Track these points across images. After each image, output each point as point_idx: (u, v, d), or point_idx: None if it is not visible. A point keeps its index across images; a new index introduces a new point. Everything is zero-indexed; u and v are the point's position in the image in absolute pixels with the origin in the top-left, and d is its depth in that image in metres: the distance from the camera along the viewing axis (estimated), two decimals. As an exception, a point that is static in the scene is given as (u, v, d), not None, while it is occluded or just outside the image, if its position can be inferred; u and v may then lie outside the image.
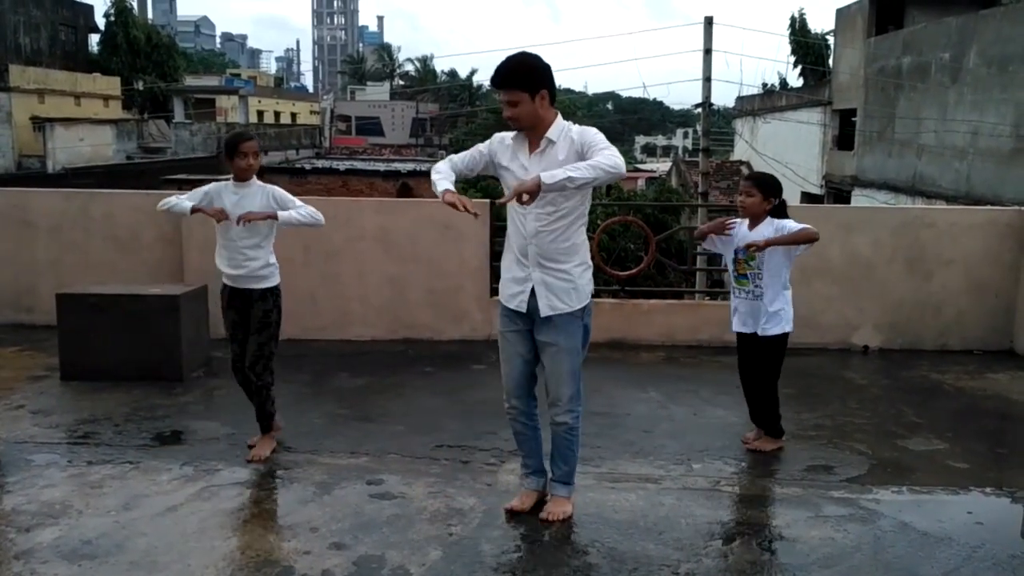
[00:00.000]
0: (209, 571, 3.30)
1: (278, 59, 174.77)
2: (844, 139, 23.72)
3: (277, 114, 46.33)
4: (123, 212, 7.43)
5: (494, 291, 6.77)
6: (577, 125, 3.58)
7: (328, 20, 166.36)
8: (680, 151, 75.67)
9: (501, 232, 4.11)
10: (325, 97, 59.20)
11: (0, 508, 3.84)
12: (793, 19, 34.06)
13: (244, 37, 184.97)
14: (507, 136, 3.63)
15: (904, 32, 20.76)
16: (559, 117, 3.54)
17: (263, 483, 4.19)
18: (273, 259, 4.52)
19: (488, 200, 7.08)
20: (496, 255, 6.60)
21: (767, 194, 4.50)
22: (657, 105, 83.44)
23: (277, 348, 4.56)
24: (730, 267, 4.64)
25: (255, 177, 4.47)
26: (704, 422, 5.25)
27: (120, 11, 36.79)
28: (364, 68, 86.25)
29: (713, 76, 19.39)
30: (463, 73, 67.70)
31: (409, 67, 77.22)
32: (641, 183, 38.52)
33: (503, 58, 3.48)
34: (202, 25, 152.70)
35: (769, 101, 29.72)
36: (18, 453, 4.50)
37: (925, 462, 4.59)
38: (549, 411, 3.71)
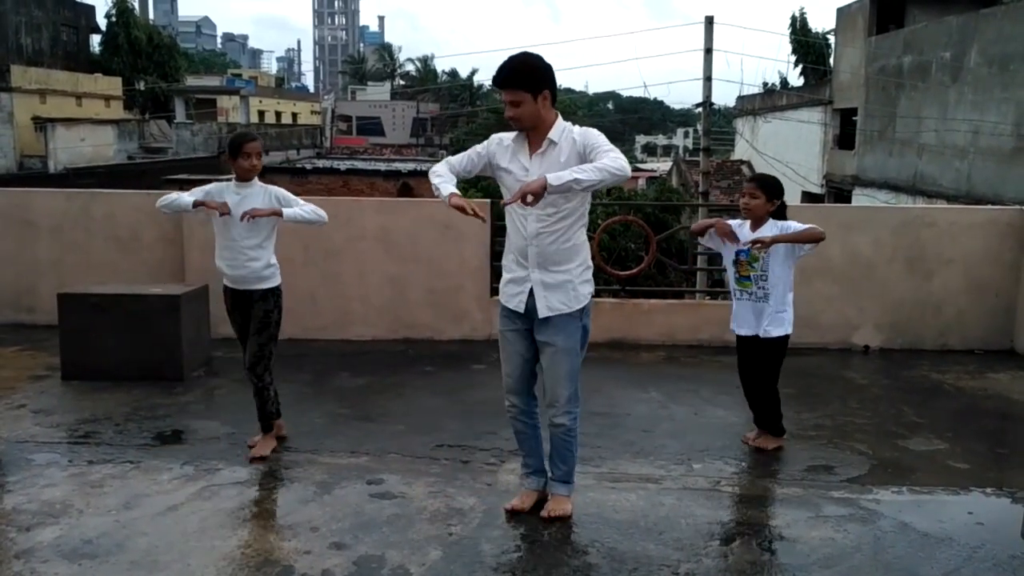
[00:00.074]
0: (209, 570, 3.30)
1: (279, 59, 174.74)
2: (845, 138, 23.71)
3: (278, 114, 46.35)
4: (124, 212, 7.44)
5: (494, 291, 6.78)
6: (578, 126, 3.57)
7: (329, 20, 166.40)
8: (681, 150, 75.63)
9: (501, 232, 4.11)
10: (326, 97, 59.22)
11: (1, 507, 3.85)
12: (794, 18, 34.08)
13: (245, 37, 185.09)
14: (506, 137, 3.63)
15: (905, 31, 20.75)
16: (559, 118, 3.54)
17: (263, 483, 4.20)
18: (274, 260, 4.52)
19: (488, 200, 7.08)
20: (496, 255, 6.61)
21: (771, 196, 4.50)
22: (657, 104, 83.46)
23: (277, 349, 4.56)
24: (731, 268, 4.60)
25: (256, 178, 4.47)
26: (704, 422, 5.25)
27: (121, 11, 36.79)
28: (365, 68, 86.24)
29: (714, 75, 19.38)
30: (464, 73, 67.75)
31: (410, 67, 77.28)
32: (642, 183, 38.48)
33: (505, 58, 3.48)
34: (203, 25, 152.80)
35: (770, 100, 29.70)
36: (19, 452, 4.50)
37: (925, 462, 4.58)
38: (547, 412, 3.71)
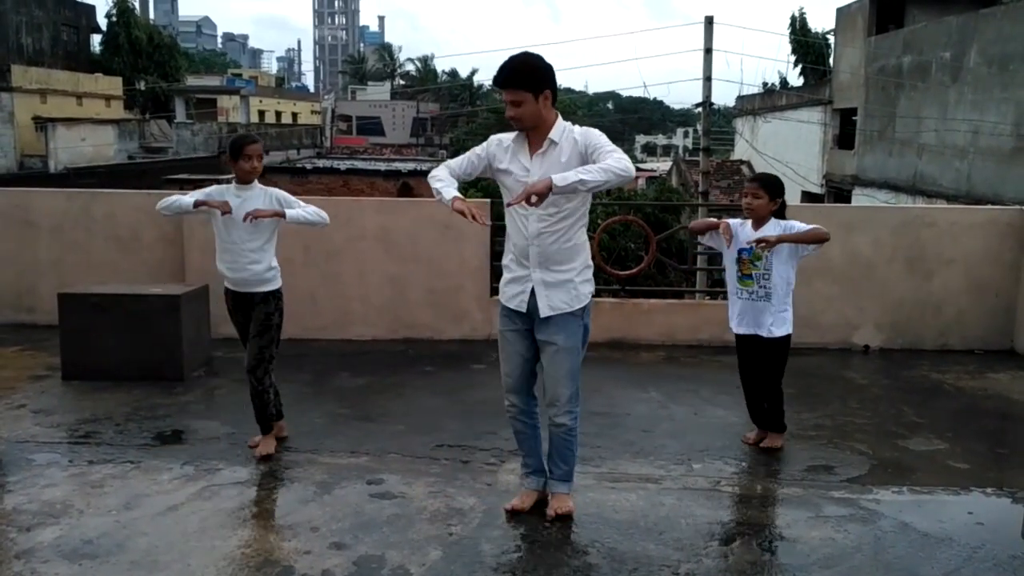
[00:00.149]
0: (209, 571, 3.30)
1: (279, 59, 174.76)
2: (845, 138, 23.71)
3: (278, 114, 46.37)
4: (124, 212, 7.44)
5: (494, 291, 6.78)
6: (578, 126, 3.57)
7: (329, 20, 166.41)
8: (680, 150, 75.65)
9: (501, 232, 4.11)
10: (326, 97, 59.23)
11: (1, 507, 3.85)
12: (793, 18, 34.10)
13: (245, 37, 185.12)
14: (505, 138, 3.62)
15: (904, 31, 20.75)
16: (560, 118, 3.54)
17: (263, 483, 4.20)
18: (276, 262, 4.51)
19: (488, 200, 7.07)
20: (496, 255, 6.61)
21: (773, 195, 4.50)
22: (657, 104, 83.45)
23: (278, 351, 4.56)
24: (732, 267, 4.57)
25: (256, 180, 4.47)
26: (704, 422, 5.25)
27: (122, 11, 36.81)
28: (365, 68, 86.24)
29: (713, 75, 19.39)
30: (464, 73, 67.75)
31: (410, 67, 77.28)
32: (641, 182, 38.45)
33: (506, 58, 3.47)
34: (203, 25, 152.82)
35: (769, 100, 29.70)
36: (19, 452, 4.50)
37: (925, 462, 4.59)
38: (547, 412, 3.71)
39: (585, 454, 4.22)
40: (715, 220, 4.61)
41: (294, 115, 48.35)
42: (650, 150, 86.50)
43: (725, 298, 4.86)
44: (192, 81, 41.65)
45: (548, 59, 3.49)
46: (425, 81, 67.43)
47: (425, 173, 4.27)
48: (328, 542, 3.53)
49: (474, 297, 7.21)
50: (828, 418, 5.30)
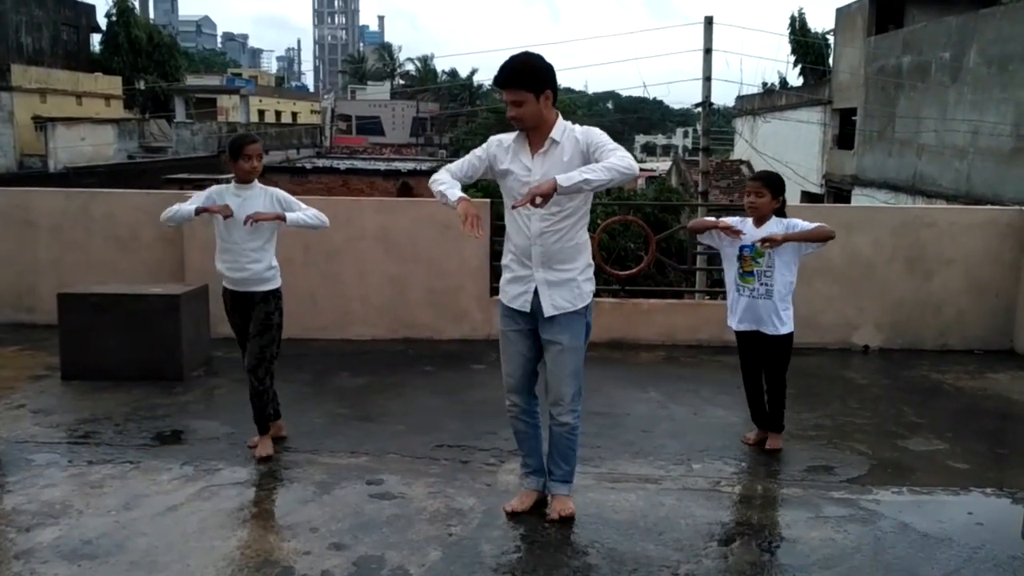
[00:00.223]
0: (209, 571, 3.30)
1: (279, 59, 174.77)
2: (844, 138, 23.72)
3: (278, 113, 46.36)
4: (124, 212, 7.44)
5: (494, 291, 6.77)
6: (579, 125, 3.57)
7: (329, 20, 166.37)
8: (680, 150, 75.65)
9: (501, 232, 4.11)
10: (326, 96, 59.22)
11: (0, 508, 3.84)
12: (793, 18, 34.13)
13: (245, 37, 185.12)
14: (505, 138, 3.62)
15: (904, 31, 20.75)
16: (560, 117, 3.54)
17: (263, 483, 4.19)
18: (275, 262, 4.51)
19: (488, 200, 7.07)
20: (496, 255, 6.60)
21: (776, 194, 4.50)
22: (657, 104, 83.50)
23: (279, 351, 4.56)
24: (734, 264, 4.55)
25: (256, 179, 4.46)
26: (704, 422, 5.24)
27: (122, 11, 36.81)
28: (365, 68, 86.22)
29: (713, 75, 19.39)
30: (463, 73, 67.72)
31: (410, 67, 77.23)
32: (641, 182, 38.44)
33: (507, 58, 3.47)
34: (203, 25, 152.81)
35: (769, 100, 29.71)
36: (19, 452, 4.50)
37: (925, 462, 4.58)
38: (551, 411, 3.70)
39: (585, 454, 4.22)
40: (713, 220, 4.61)
41: (294, 115, 48.34)
42: (650, 150, 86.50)
43: (725, 298, 4.85)
44: (192, 81, 41.61)
45: (548, 59, 3.49)
46: (425, 81, 67.42)
47: (425, 173, 4.27)
48: (328, 542, 3.53)
49: (474, 297, 7.20)
50: (828, 418, 5.30)
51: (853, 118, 22.88)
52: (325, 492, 4.04)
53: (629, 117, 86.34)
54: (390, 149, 44.46)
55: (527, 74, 3.44)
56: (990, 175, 16.29)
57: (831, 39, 28.02)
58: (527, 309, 3.62)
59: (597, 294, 3.80)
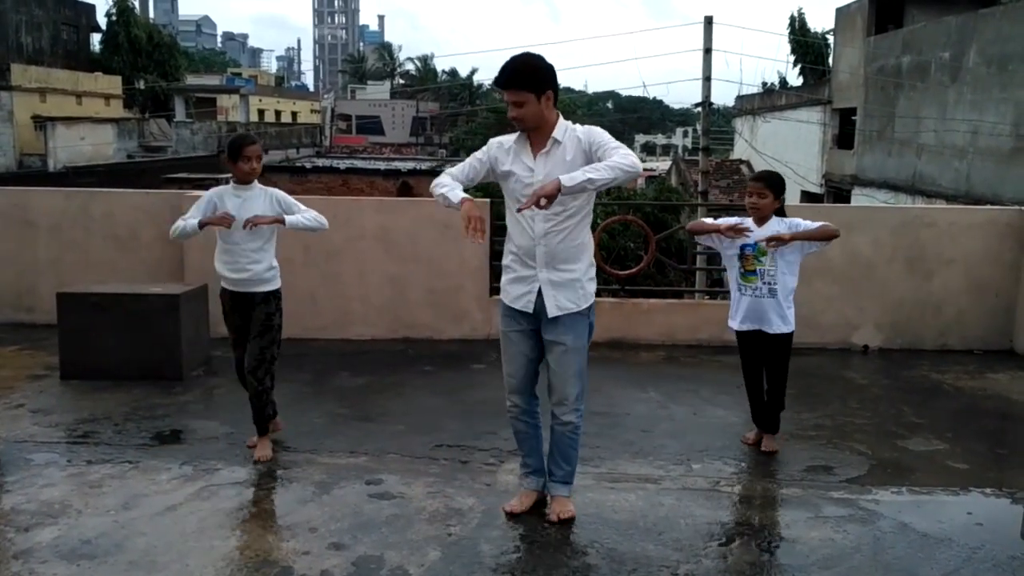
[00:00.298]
0: (208, 571, 3.29)
1: (279, 58, 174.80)
2: (844, 138, 23.72)
3: (278, 113, 46.34)
4: (123, 211, 7.43)
5: (494, 291, 6.77)
6: (580, 125, 3.57)
7: (329, 19, 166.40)
8: (680, 150, 75.68)
9: (501, 231, 4.11)
10: (326, 96, 59.20)
11: (-1, 508, 3.85)
12: (793, 18, 34.12)
13: (245, 36, 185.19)
14: (506, 140, 3.61)
15: (904, 31, 20.75)
16: (561, 117, 3.53)
17: (262, 483, 4.19)
18: (275, 262, 4.51)
19: (488, 199, 7.07)
20: (496, 255, 6.60)
21: (778, 194, 4.50)
22: (657, 104, 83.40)
23: (280, 352, 4.55)
24: (735, 264, 4.54)
25: (255, 180, 4.46)
26: (704, 422, 5.24)
27: (122, 10, 36.79)
28: (365, 67, 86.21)
29: (713, 75, 19.41)
30: (463, 72, 67.75)
31: (410, 66, 77.23)
32: (641, 182, 38.43)
33: (508, 58, 3.47)
34: (203, 24, 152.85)
35: (769, 100, 29.71)
36: (18, 452, 4.49)
37: (925, 462, 4.58)
38: (554, 410, 3.70)
39: (585, 454, 4.21)
40: (713, 223, 4.59)
41: (293, 114, 48.32)
42: (649, 150, 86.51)
43: (724, 298, 4.85)
44: (192, 80, 41.60)
45: (548, 59, 3.49)
46: (425, 80, 67.41)
47: (424, 172, 4.28)
48: (327, 542, 3.53)
49: (474, 297, 7.20)
50: (828, 418, 5.30)
51: (853, 118, 22.88)
52: (324, 492, 4.04)
53: (629, 117, 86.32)
54: (390, 149, 44.46)
55: (528, 74, 3.43)
56: (990, 175, 16.29)
57: (831, 39, 28.03)
58: (530, 310, 3.61)
59: (597, 294, 3.80)
